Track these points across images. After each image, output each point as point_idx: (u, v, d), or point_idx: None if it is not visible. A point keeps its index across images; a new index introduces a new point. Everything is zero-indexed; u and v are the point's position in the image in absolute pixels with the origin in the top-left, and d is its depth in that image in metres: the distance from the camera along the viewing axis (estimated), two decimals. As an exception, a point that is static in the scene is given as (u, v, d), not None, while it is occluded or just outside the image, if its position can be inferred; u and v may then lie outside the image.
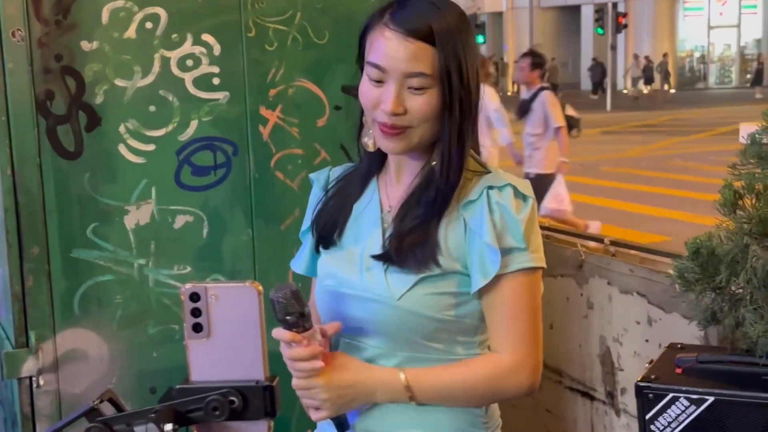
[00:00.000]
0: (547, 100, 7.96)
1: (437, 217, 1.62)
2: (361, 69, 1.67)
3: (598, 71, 29.90)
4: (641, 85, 31.10)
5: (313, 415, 1.60)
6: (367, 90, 1.63)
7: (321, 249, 1.76)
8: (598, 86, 29.66)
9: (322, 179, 1.81)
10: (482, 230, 1.59)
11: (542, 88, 8.12)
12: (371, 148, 1.67)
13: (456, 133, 1.61)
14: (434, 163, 1.64)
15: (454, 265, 1.61)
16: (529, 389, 1.64)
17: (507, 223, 1.59)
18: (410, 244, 1.61)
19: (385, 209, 1.72)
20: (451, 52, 1.58)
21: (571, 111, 8.43)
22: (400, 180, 1.70)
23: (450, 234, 1.62)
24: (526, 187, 1.63)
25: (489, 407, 1.72)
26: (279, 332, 1.50)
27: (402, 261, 1.61)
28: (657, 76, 30.94)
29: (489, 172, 1.65)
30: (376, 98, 1.61)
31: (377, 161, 1.74)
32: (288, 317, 1.50)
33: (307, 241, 1.81)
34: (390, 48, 1.58)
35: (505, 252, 1.58)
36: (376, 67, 1.60)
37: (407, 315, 1.61)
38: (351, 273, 1.68)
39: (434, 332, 1.63)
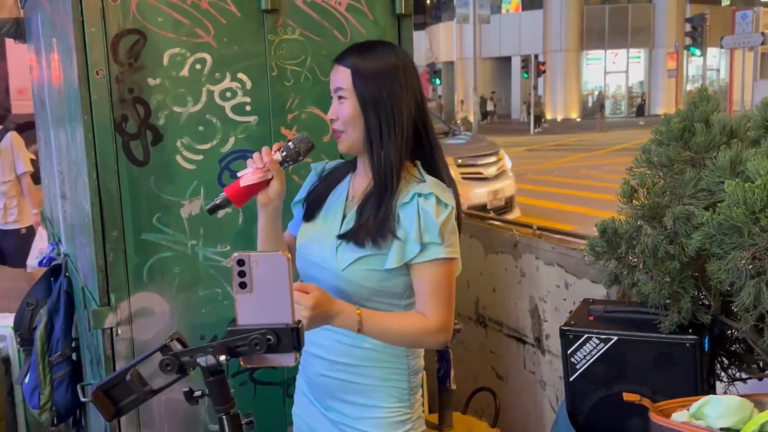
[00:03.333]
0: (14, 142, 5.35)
1: (385, 210, 1.62)
2: None
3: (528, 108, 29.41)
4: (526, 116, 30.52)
5: None
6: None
7: (304, 220, 1.78)
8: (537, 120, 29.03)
9: (318, 168, 1.86)
10: (411, 227, 1.60)
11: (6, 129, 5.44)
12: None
13: (376, 134, 1.62)
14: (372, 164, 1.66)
15: (387, 246, 1.61)
16: (444, 344, 1.67)
17: (428, 225, 1.60)
18: (366, 230, 1.62)
19: (349, 198, 1.73)
20: (362, 75, 1.62)
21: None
22: (362, 175, 1.73)
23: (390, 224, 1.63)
24: (448, 197, 1.64)
25: (412, 362, 1.73)
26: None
27: (359, 240, 1.61)
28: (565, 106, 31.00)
29: (424, 181, 1.65)
30: None
31: (352, 165, 1.77)
32: (292, 140, 1.66)
33: (298, 211, 1.82)
34: (331, 73, 1.68)
35: (425, 246, 1.60)
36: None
37: (348, 283, 1.62)
38: (315, 245, 1.70)
39: (369, 296, 1.63)
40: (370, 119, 1.62)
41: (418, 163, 1.69)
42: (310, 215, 1.77)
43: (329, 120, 1.69)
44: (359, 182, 1.73)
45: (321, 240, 1.70)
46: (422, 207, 1.60)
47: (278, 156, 1.66)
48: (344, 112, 1.64)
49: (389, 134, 1.62)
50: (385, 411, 1.69)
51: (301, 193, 1.83)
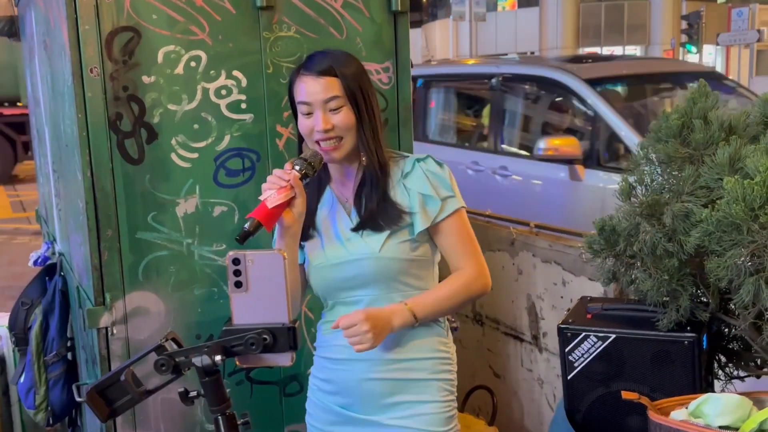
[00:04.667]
0: None
1: (384, 191, 1.72)
2: (295, 113, 1.75)
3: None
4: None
5: (358, 348, 1.61)
6: (302, 123, 1.72)
7: (303, 240, 1.78)
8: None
9: None
10: (426, 188, 1.71)
11: None
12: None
13: (370, 133, 1.71)
14: (364, 159, 1.73)
15: (406, 219, 1.71)
16: (487, 287, 1.77)
17: (440, 181, 1.72)
18: (377, 213, 1.70)
19: (342, 201, 1.78)
20: (351, 80, 1.69)
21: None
22: (344, 182, 1.78)
23: (398, 198, 1.72)
24: (437, 159, 1.78)
25: (454, 352, 1.80)
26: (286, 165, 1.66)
27: (376, 225, 1.70)
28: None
29: (406, 155, 1.78)
30: (311, 126, 1.70)
31: (324, 175, 1.80)
32: (303, 156, 1.66)
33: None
34: (309, 87, 1.68)
35: (444, 200, 1.72)
36: (304, 103, 1.70)
37: (387, 261, 1.70)
38: (335, 248, 1.73)
39: (407, 269, 1.72)
40: (363, 119, 1.70)
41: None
42: (307, 236, 1.78)
43: (322, 130, 1.68)
44: (343, 187, 1.79)
45: (339, 242, 1.74)
46: (426, 169, 1.72)
47: (296, 173, 1.64)
48: (344, 119, 1.68)
49: (376, 128, 1.72)
50: (440, 405, 1.73)
51: None
